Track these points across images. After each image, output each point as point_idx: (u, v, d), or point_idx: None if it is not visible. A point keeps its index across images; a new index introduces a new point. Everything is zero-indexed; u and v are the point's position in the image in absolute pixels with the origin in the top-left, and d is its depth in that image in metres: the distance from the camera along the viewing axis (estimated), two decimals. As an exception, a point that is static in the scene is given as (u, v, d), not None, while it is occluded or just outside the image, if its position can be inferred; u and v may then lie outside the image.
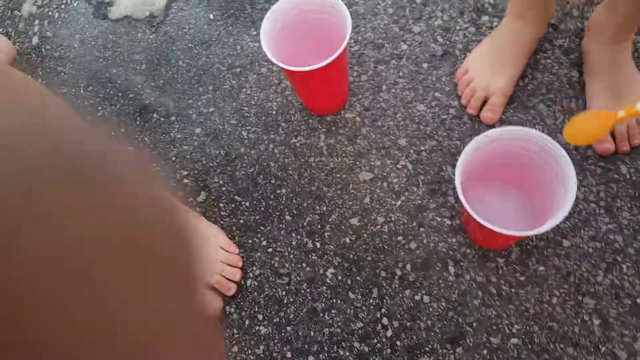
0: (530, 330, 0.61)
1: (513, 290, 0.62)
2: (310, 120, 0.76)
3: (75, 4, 0.96)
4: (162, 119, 0.82)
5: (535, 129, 0.68)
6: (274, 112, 0.78)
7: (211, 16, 0.88)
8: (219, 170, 0.76)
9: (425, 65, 0.76)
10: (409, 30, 0.78)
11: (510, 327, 0.61)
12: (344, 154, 0.73)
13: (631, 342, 0.59)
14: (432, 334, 0.62)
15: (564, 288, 0.62)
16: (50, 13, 0.96)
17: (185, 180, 0.77)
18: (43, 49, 0.93)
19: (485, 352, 0.61)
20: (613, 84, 0.65)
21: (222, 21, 0.87)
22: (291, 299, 0.67)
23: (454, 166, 0.69)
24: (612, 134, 0.65)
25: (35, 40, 0.94)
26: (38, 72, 0.90)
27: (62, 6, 0.96)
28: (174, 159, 0.78)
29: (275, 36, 0.65)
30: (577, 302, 0.61)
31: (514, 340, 0.61)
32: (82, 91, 0.87)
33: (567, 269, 0.62)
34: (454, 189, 0.68)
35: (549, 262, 0.63)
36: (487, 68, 0.69)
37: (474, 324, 0.62)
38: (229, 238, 0.71)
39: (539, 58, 0.73)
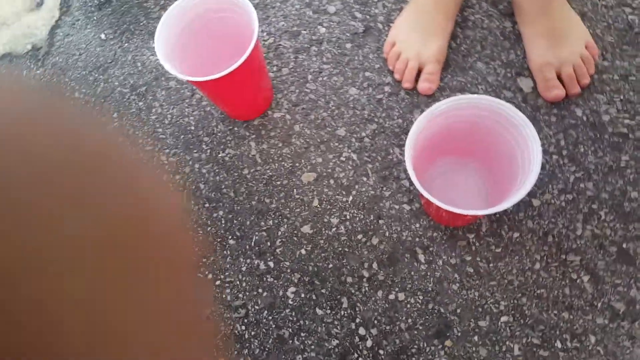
0: (519, 303, 0.58)
1: (491, 265, 0.60)
2: (236, 129, 0.71)
3: (-60, 52, 0.87)
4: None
5: (478, 89, 0.67)
6: (192, 128, 0.72)
7: (102, 36, 0.82)
8: (143, 206, 0.70)
9: (348, 45, 0.73)
10: (324, 11, 0.75)
11: (496, 305, 0.58)
12: (280, 158, 0.68)
13: (626, 291, 0.58)
14: (415, 332, 0.58)
15: (544, 250, 0.60)
16: None
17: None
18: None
19: (476, 338, 0.57)
20: (550, 30, 0.64)
21: (115, 39, 0.81)
22: (252, 333, 0.62)
23: (400, 147, 0.66)
24: (560, 79, 0.64)
25: None
26: None
27: None
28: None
29: (174, 45, 0.60)
30: (561, 262, 0.59)
31: (504, 318, 0.58)
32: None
33: (543, 229, 0.61)
34: (406, 171, 0.65)
35: (522, 226, 0.61)
36: (415, 36, 0.67)
37: (458, 311, 0.59)
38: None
39: (467, 15, 0.72)
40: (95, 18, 0.84)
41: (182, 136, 0.72)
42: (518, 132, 0.51)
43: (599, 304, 0.58)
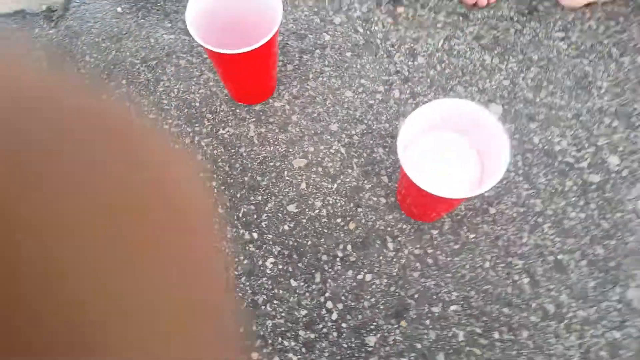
0: (468, 295, 0.67)
1: (449, 259, 0.69)
2: (238, 111, 0.78)
3: (-47, -3, 0.89)
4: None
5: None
6: (197, 104, 0.79)
7: (119, 9, 0.88)
8: (140, 168, 0.75)
9: (348, 54, 0.82)
10: (330, 21, 0.84)
11: (449, 294, 0.67)
12: (276, 142, 0.76)
13: (557, 295, 0.68)
14: (377, 310, 0.66)
15: (494, 252, 0.69)
16: None
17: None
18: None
19: (427, 322, 0.66)
20: None
21: (131, 14, 0.87)
22: (229, 295, 0.67)
23: (384, 147, 0.75)
24: None
25: None
26: None
27: (-63, -1, 0.89)
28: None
29: (198, 25, 0.67)
30: (507, 264, 0.69)
31: (454, 307, 0.67)
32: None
33: (496, 233, 0.70)
34: (387, 169, 0.74)
35: (478, 229, 0.70)
36: None
37: (416, 296, 0.67)
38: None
39: (453, 44, 0.82)
40: (114, -9, 0.90)
41: (186, 110, 0.78)
42: (491, 133, 0.59)
43: (534, 304, 0.68)
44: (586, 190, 0.73)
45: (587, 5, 0.85)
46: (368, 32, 0.84)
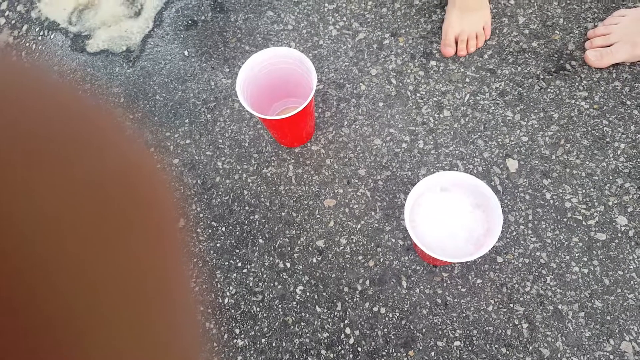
0: (470, 334, 0.77)
1: (456, 300, 0.78)
2: (280, 152, 0.90)
3: (52, 36, 1.07)
4: (143, 149, 0.94)
5: (474, 161, 0.85)
6: (246, 144, 0.92)
7: (186, 53, 1.02)
8: (196, 199, 0.89)
9: (381, 104, 0.92)
10: (367, 72, 0.94)
11: (453, 331, 0.77)
12: (310, 183, 0.87)
13: (553, 341, 0.76)
14: (388, 340, 0.77)
15: (498, 297, 0.78)
16: (27, 44, 1.07)
17: (164, 208, 0.89)
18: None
19: (432, 353, 0.76)
20: (463, 7, 0.91)
21: (196, 58, 1.01)
22: (265, 314, 0.81)
23: (405, 193, 0.85)
24: (456, 42, 0.92)
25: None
26: (17, 104, 1.00)
27: (39, 38, 1.07)
28: (153, 187, 0.90)
29: (247, 86, 0.79)
30: (509, 309, 0.78)
31: (457, 343, 0.76)
32: (61, 123, 0.98)
33: (501, 281, 0.79)
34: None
35: (485, 275, 0.79)
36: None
37: (423, 330, 0.77)
38: (206, 261, 0.83)
39: (478, 99, 0.90)
40: (182, 36, 1.04)
41: (237, 149, 0.92)
42: (490, 206, 0.69)
43: (531, 347, 0.76)
44: (591, 247, 0.80)
45: (615, 65, 0.90)
46: (400, 84, 0.93)
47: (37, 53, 1.06)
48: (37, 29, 1.08)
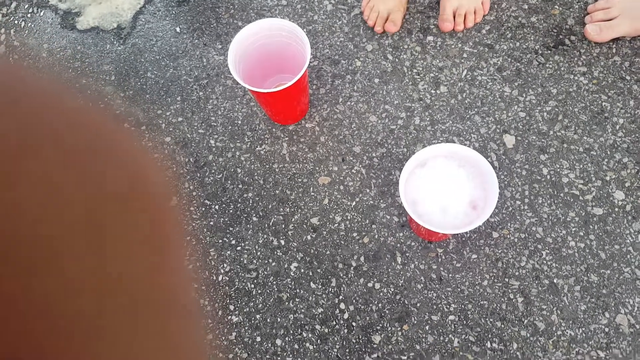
0: (465, 308, 0.77)
1: (450, 275, 0.78)
2: (274, 130, 0.89)
3: (42, 14, 1.05)
4: (132, 128, 0.93)
5: (471, 137, 0.84)
6: (239, 122, 0.90)
7: (177, 29, 1.00)
8: (188, 177, 0.88)
9: (376, 80, 0.90)
10: (363, 47, 0.93)
11: (448, 306, 0.77)
12: (304, 161, 0.87)
13: (548, 315, 0.76)
14: (383, 314, 0.77)
15: (493, 272, 0.78)
16: (16, 22, 1.05)
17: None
18: (10, 59, 1.01)
19: (427, 327, 0.76)
20: None
21: (188, 34, 0.99)
22: (259, 291, 0.80)
23: (401, 170, 0.84)
24: (454, 16, 0.91)
25: (2, 48, 1.02)
26: (6, 82, 0.99)
27: (29, 15, 1.05)
28: (146, 165, 0.90)
29: (239, 59, 0.78)
30: (504, 284, 0.77)
31: (451, 317, 0.76)
32: (52, 101, 0.97)
33: (496, 256, 0.79)
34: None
35: (480, 251, 0.79)
36: None
37: (418, 305, 0.77)
38: (200, 239, 0.83)
39: (476, 75, 0.89)
40: (174, 12, 1.02)
41: (230, 127, 0.91)
42: (485, 177, 0.68)
43: (526, 321, 0.77)
44: (588, 222, 0.79)
45: (615, 40, 0.89)
46: (397, 60, 0.92)
47: (26, 31, 1.04)
48: (26, 6, 1.06)
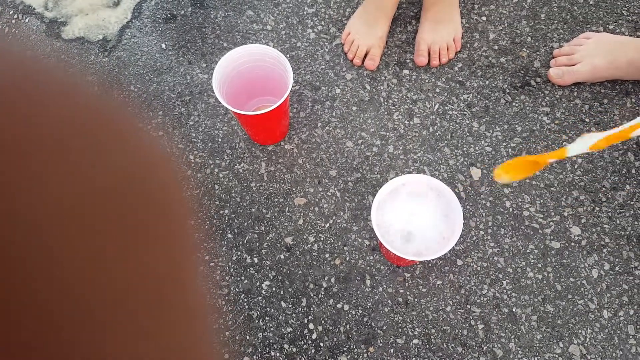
0: (429, 332, 0.80)
1: (416, 299, 0.81)
2: (253, 149, 0.92)
3: (26, 20, 1.06)
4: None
5: (440, 167, 0.89)
6: (219, 140, 0.93)
7: (163, 45, 1.03)
8: (166, 190, 0.90)
9: (354, 108, 0.95)
10: (342, 76, 0.97)
11: (412, 330, 0.80)
12: (282, 181, 0.89)
13: (506, 342, 0.80)
14: (350, 336, 0.80)
15: (456, 298, 0.82)
16: (0, 27, 1.05)
17: (133, 198, 0.89)
18: (-9, 63, 1.01)
19: (392, 350, 0.79)
20: (435, 19, 0.96)
21: (173, 51, 1.02)
22: (229, 308, 0.82)
23: (374, 195, 0.88)
24: (429, 53, 0.97)
25: (-18, 53, 1.03)
26: (-15, 86, 0.99)
27: (13, 21, 1.06)
28: (123, 177, 0.91)
29: (224, 79, 0.81)
30: (466, 310, 0.81)
31: (415, 341, 0.80)
32: (31, 108, 0.97)
33: (460, 283, 0.83)
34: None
35: (445, 277, 0.83)
36: (364, 28, 0.96)
37: (384, 328, 0.80)
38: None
39: (447, 109, 0.95)
40: (160, 29, 1.05)
41: (210, 144, 0.93)
42: (452, 210, 0.73)
43: (485, 347, 0.80)
44: (546, 255, 0.84)
45: (577, 84, 0.96)
46: (374, 90, 0.97)
47: (10, 36, 1.04)
48: (11, 12, 1.07)
